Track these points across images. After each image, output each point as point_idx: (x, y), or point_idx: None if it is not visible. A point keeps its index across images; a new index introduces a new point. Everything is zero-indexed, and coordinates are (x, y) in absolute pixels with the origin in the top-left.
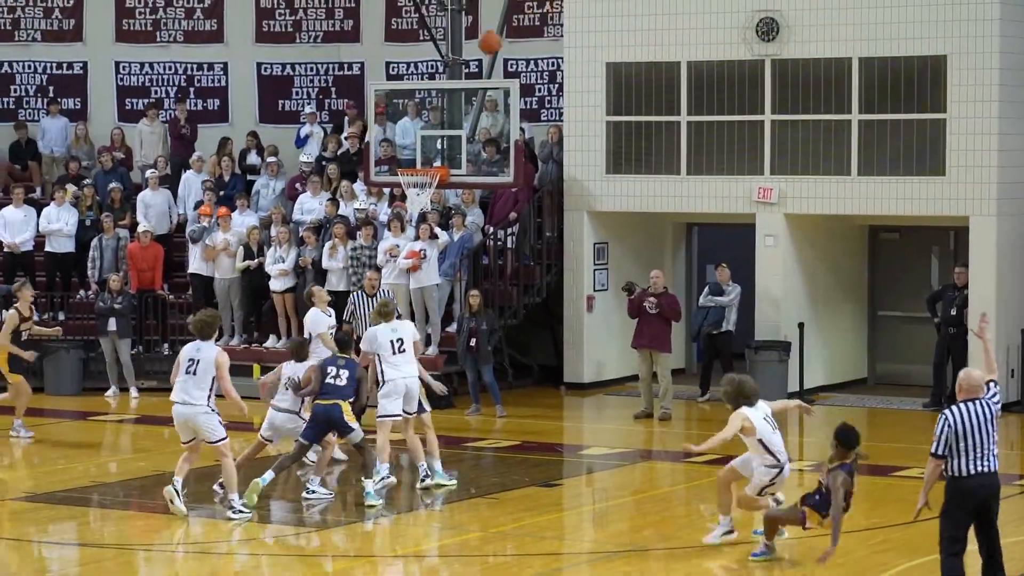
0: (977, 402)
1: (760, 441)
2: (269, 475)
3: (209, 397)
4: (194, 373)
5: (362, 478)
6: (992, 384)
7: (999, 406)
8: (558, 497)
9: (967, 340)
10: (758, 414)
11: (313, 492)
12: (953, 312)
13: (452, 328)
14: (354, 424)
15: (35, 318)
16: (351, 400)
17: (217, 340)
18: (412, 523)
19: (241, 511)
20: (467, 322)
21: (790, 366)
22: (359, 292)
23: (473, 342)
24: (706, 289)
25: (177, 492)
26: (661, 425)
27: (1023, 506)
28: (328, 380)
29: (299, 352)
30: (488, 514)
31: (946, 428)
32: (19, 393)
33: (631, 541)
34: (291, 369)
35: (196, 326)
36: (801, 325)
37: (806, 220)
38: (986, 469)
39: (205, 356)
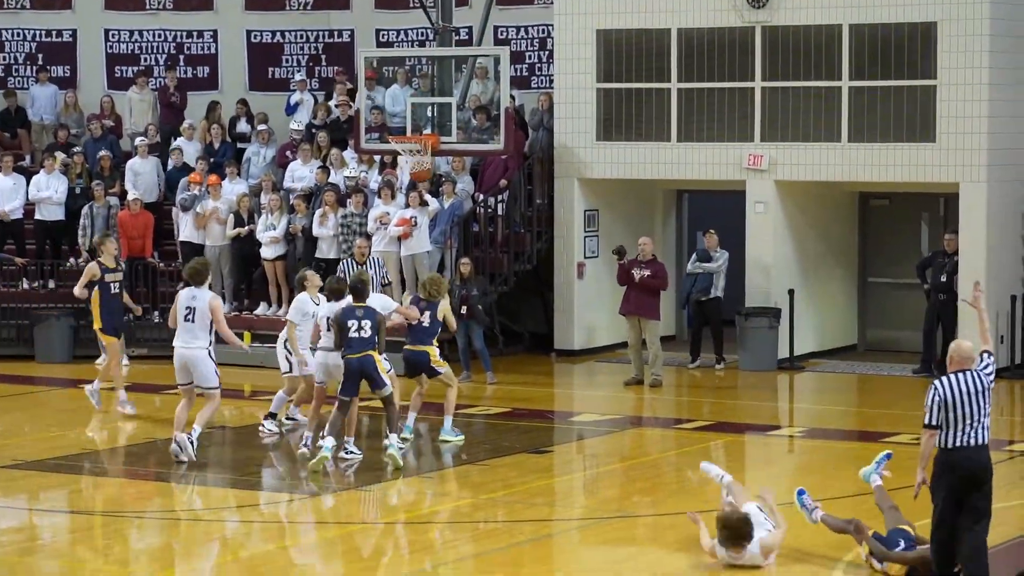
0: (968, 373)
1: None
2: (330, 442)
3: (210, 342)
4: (192, 320)
5: (387, 433)
6: (986, 355)
7: (992, 378)
8: (548, 464)
9: (957, 306)
10: (738, 560)
11: (351, 453)
12: (943, 278)
13: None
14: (387, 379)
15: (123, 268)
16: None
17: None
18: (403, 490)
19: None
20: (458, 289)
21: (780, 333)
22: (349, 260)
23: (464, 309)
24: (694, 256)
25: (180, 445)
26: (651, 392)
27: (1012, 472)
28: (352, 334)
29: (336, 291)
30: (479, 480)
31: (936, 398)
32: (111, 355)
33: (621, 507)
34: (328, 309)
35: (189, 272)
36: (791, 292)
37: (796, 187)
38: (975, 442)
39: (200, 302)
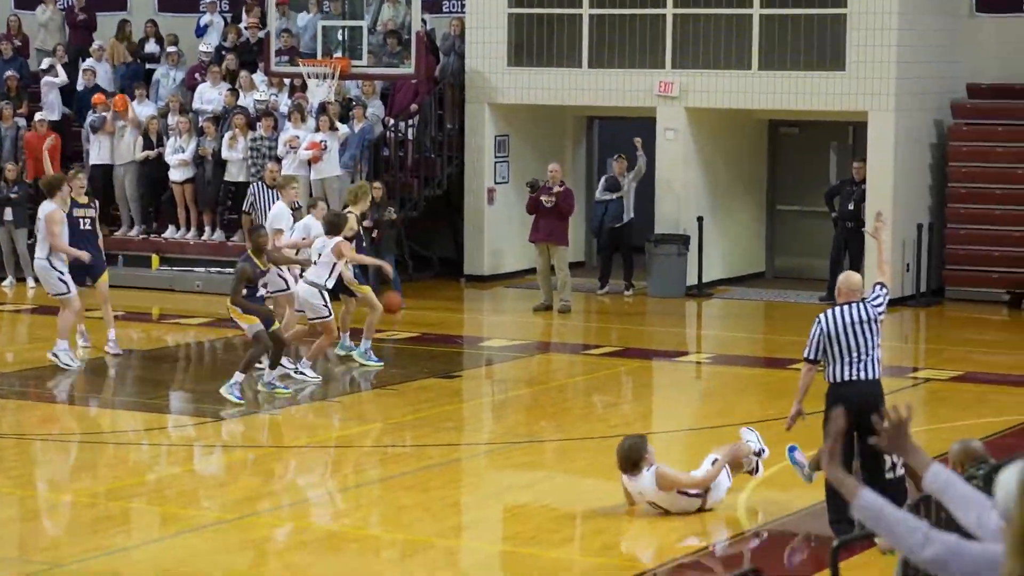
0: (854, 305)
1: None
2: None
3: (49, 253)
4: (39, 231)
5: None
6: (878, 287)
7: (881, 309)
8: (457, 388)
9: (864, 234)
10: (635, 487)
11: (302, 375)
12: (851, 207)
13: None
14: (244, 323)
15: (95, 206)
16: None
17: (115, 230)
18: (311, 414)
19: (66, 358)
20: (371, 213)
21: (689, 260)
22: (259, 183)
23: (375, 233)
24: (602, 182)
25: (58, 354)
26: (560, 318)
27: (916, 398)
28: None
29: (335, 226)
30: (387, 405)
31: (818, 332)
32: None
33: (529, 432)
34: (322, 243)
35: (42, 185)
36: (700, 219)
37: (707, 114)
38: (862, 376)
39: (42, 214)
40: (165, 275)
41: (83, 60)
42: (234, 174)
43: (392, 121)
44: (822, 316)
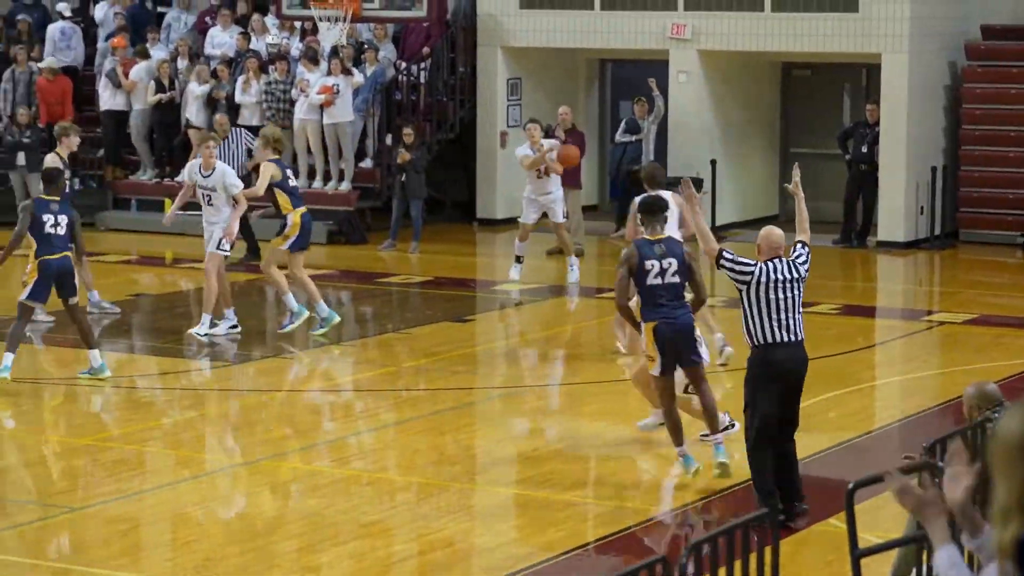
0: (782, 261)
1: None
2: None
3: None
4: None
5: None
6: (800, 245)
7: (805, 268)
8: (471, 332)
9: (877, 177)
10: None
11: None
12: (864, 149)
13: (366, 164)
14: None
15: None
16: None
17: (130, 174)
18: (325, 358)
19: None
20: (396, 155)
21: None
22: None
23: (404, 176)
24: (622, 125)
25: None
26: None
27: (930, 341)
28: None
29: (653, 179)
30: (401, 349)
31: (751, 269)
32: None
33: (542, 376)
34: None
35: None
36: (713, 162)
37: (720, 56)
38: (790, 339)
39: None
40: (178, 219)
41: (95, 3)
42: (247, 118)
43: (404, 64)
44: (762, 264)
